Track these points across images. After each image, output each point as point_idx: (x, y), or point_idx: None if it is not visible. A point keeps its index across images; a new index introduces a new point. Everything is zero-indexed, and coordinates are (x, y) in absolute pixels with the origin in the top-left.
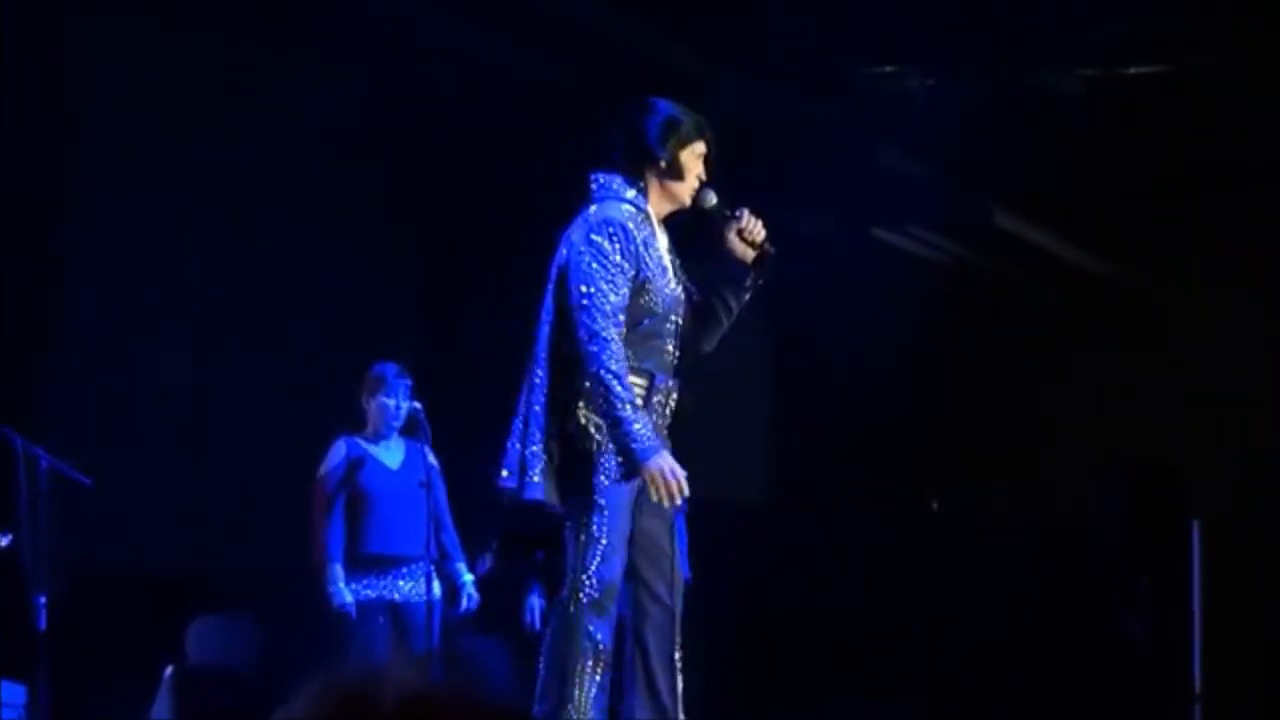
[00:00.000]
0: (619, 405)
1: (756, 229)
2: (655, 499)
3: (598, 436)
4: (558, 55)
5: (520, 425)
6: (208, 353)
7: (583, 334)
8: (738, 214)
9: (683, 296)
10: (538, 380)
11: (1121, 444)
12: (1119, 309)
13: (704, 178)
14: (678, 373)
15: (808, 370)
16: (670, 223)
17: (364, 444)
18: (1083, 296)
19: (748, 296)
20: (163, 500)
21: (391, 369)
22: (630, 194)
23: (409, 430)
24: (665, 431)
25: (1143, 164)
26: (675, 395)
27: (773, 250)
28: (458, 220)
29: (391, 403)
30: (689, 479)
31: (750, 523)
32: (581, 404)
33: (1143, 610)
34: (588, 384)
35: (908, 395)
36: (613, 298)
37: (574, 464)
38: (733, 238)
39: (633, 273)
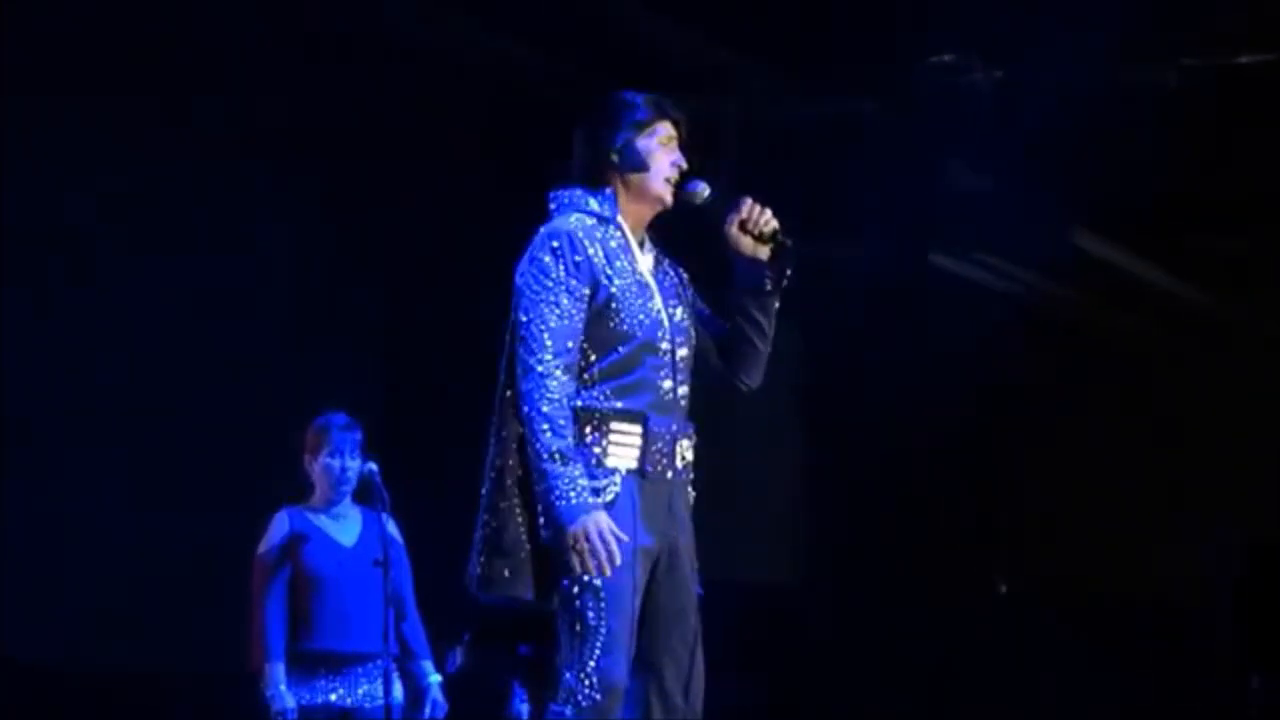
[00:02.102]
0: (542, 454)
1: (762, 218)
2: (577, 569)
3: None
4: (549, 49)
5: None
6: (132, 406)
7: (519, 370)
8: (737, 204)
9: (684, 322)
10: (496, 439)
11: (1230, 513)
12: (1226, 349)
13: (682, 166)
14: (687, 416)
15: (848, 426)
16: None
17: (311, 516)
18: (1183, 335)
19: (776, 303)
20: (78, 586)
21: (337, 420)
22: (592, 203)
23: (363, 496)
24: (681, 491)
25: (1256, 175)
26: (690, 445)
27: (789, 242)
28: (426, 245)
29: (337, 463)
30: (707, 555)
31: (780, 609)
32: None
33: (1255, 715)
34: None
35: (970, 455)
36: (553, 322)
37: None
38: (735, 233)
39: (586, 290)
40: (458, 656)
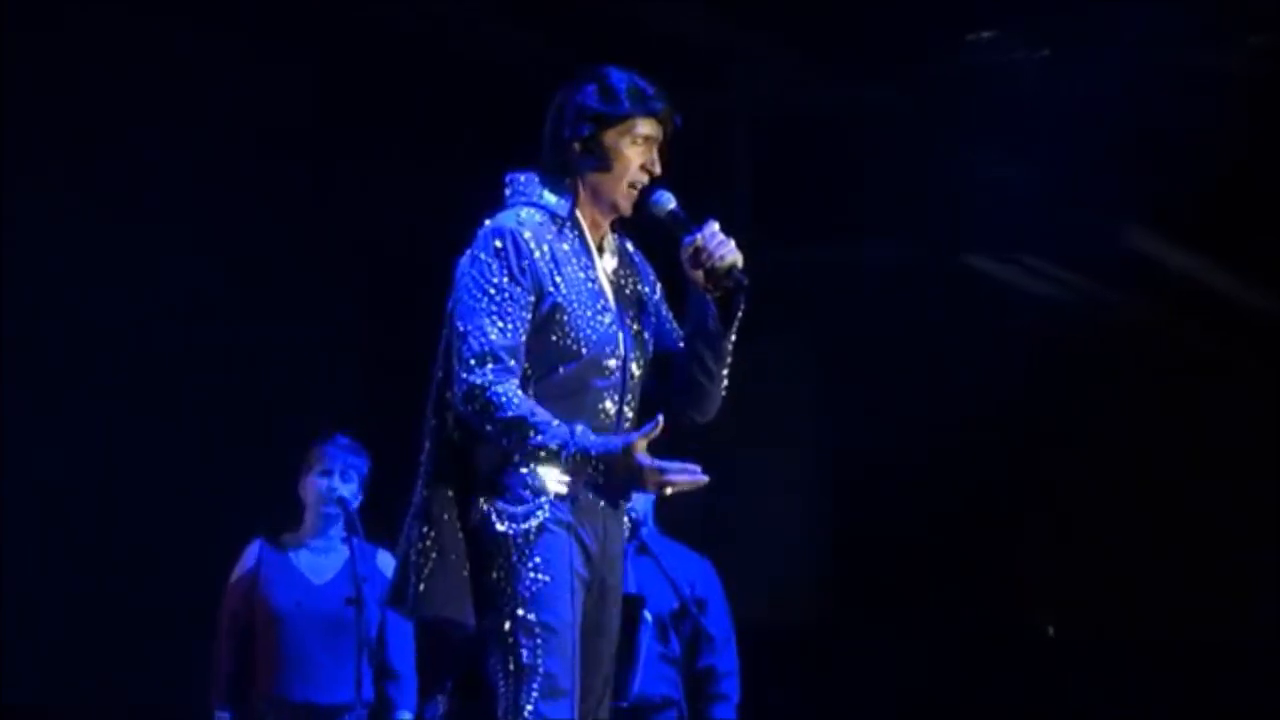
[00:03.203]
0: (550, 447)
1: (719, 250)
2: (668, 491)
3: (509, 530)
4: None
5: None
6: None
7: (458, 390)
8: (697, 229)
9: (642, 335)
10: (431, 441)
11: None
12: None
13: (654, 172)
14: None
15: (872, 449)
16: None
17: (283, 548)
18: (1249, 346)
19: (727, 344)
20: (42, 619)
21: (339, 440)
22: (548, 196)
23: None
24: (615, 523)
25: None
26: None
27: (745, 281)
28: (407, 261)
29: (325, 482)
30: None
31: (807, 650)
32: (483, 487)
33: None
34: (480, 451)
35: (1011, 480)
36: (495, 335)
37: (484, 571)
38: (687, 261)
39: (531, 297)
40: (439, 706)
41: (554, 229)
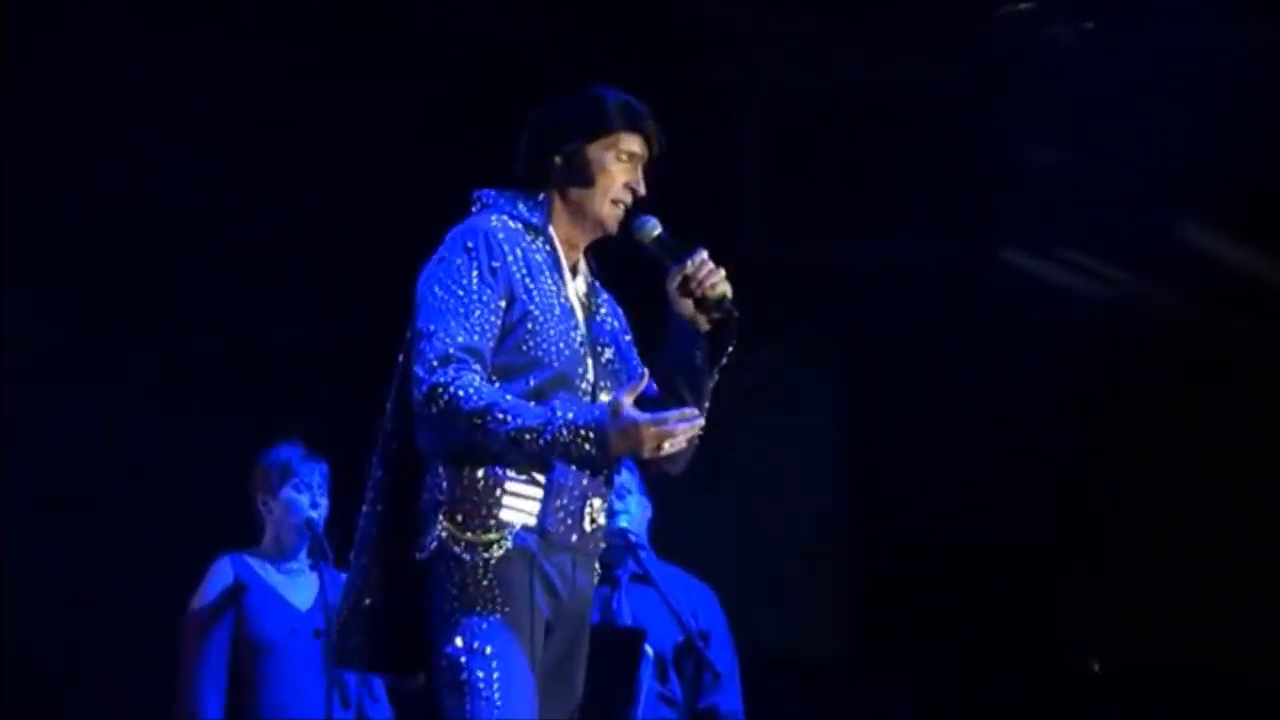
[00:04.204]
0: (525, 438)
1: (710, 279)
2: (666, 449)
3: (469, 557)
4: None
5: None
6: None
7: (417, 395)
8: (687, 256)
9: (614, 365)
10: (371, 484)
11: None
12: None
13: (639, 191)
14: (602, 473)
15: (903, 465)
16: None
17: (258, 566)
18: None
19: (710, 384)
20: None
21: (297, 451)
22: (521, 207)
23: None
24: (586, 563)
25: None
26: (603, 506)
27: (736, 313)
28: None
29: (305, 498)
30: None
31: (823, 691)
32: (443, 510)
33: None
34: (441, 473)
35: (1054, 501)
36: (462, 338)
37: (439, 599)
38: (675, 290)
39: (501, 302)
40: None
41: (527, 238)
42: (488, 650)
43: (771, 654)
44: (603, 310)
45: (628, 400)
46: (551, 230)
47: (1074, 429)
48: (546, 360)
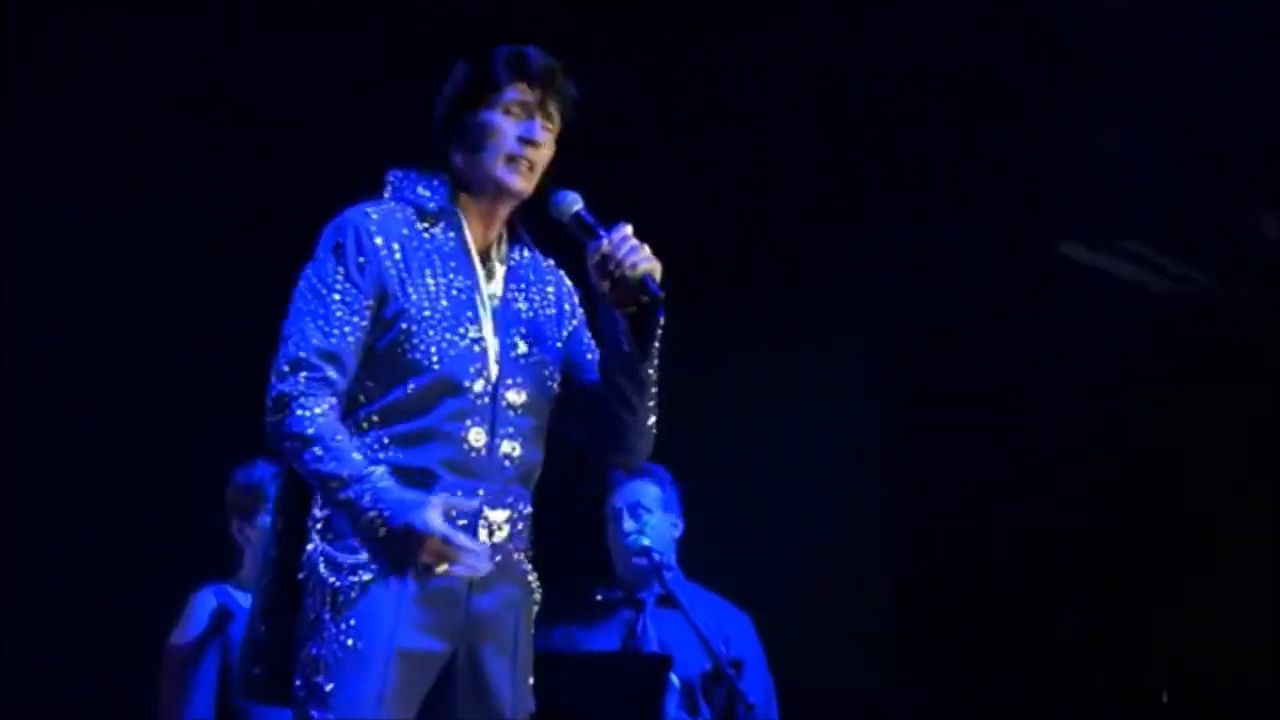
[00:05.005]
0: (330, 484)
1: (629, 257)
2: (438, 570)
3: (334, 583)
4: None
5: None
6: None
7: (268, 399)
8: (605, 233)
9: (530, 359)
10: (274, 501)
11: None
12: None
13: (534, 140)
14: (516, 482)
15: (952, 477)
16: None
17: (242, 598)
18: None
19: (647, 370)
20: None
21: (270, 470)
22: (420, 190)
23: None
24: (490, 580)
25: None
26: (508, 519)
27: (659, 293)
28: None
29: None
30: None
31: None
32: (318, 527)
33: None
34: (321, 510)
35: (1114, 516)
36: (317, 340)
37: (302, 628)
38: (593, 270)
39: (369, 302)
40: None
41: (419, 227)
42: (327, 689)
43: (810, 685)
44: (534, 298)
45: (437, 510)
46: (458, 211)
47: (1138, 436)
48: (425, 363)
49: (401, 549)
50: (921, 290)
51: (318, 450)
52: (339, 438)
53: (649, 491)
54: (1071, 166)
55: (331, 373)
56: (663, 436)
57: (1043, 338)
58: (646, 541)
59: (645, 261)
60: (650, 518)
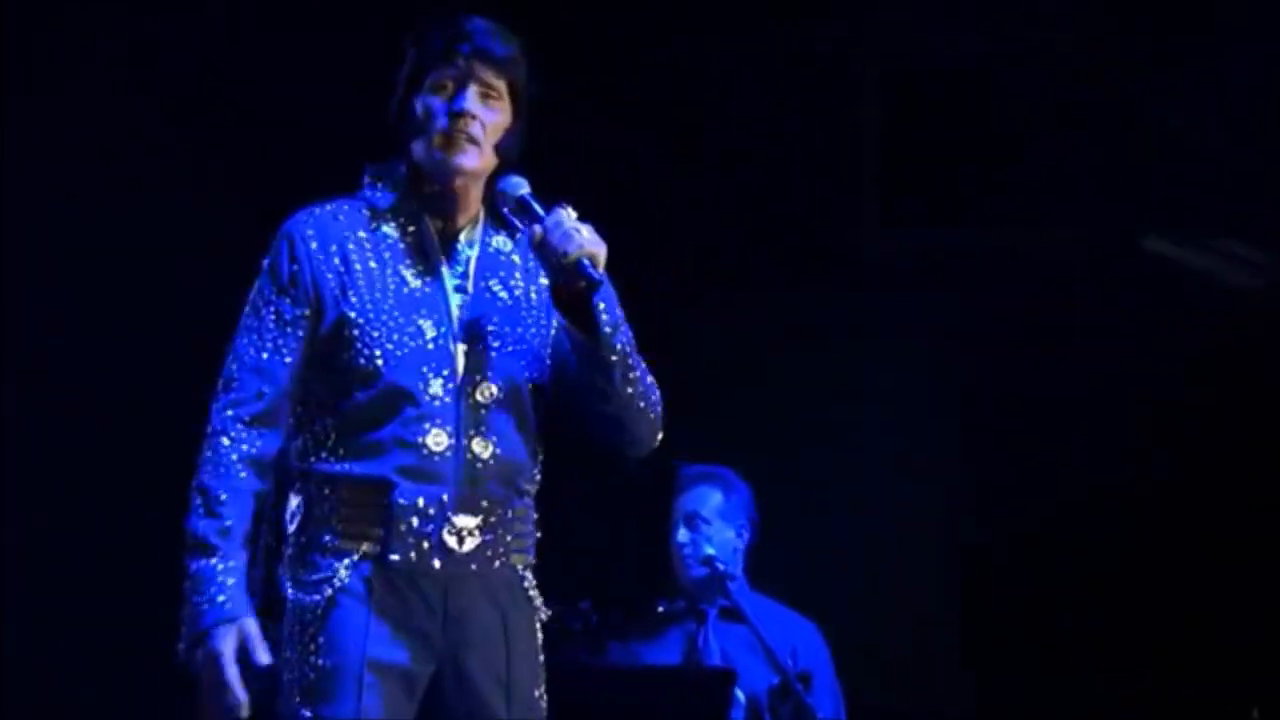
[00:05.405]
0: (185, 540)
1: (561, 243)
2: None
3: (301, 601)
4: None
5: None
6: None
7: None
8: (544, 215)
9: (504, 354)
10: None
11: None
12: None
13: (468, 111)
14: (494, 483)
15: (1028, 482)
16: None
17: None
18: None
19: (608, 356)
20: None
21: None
22: (369, 186)
23: None
24: (467, 586)
25: None
26: (477, 523)
27: (595, 277)
28: None
29: None
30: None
31: None
32: (290, 542)
33: None
34: (292, 498)
35: (1202, 524)
36: (249, 358)
37: (277, 653)
38: (536, 253)
39: (304, 312)
40: None
41: (368, 226)
42: (305, 714)
43: (882, 701)
44: (500, 283)
45: (229, 654)
46: (413, 202)
47: (1230, 441)
48: (370, 369)
49: (196, 672)
50: (991, 290)
51: (197, 500)
52: (222, 496)
53: (710, 499)
54: (1162, 159)
55: (260, 387)
56: (727, 441)
57: (1120, 335)
58: (711, 551)
59: (578, 247)
60: (709, 528)
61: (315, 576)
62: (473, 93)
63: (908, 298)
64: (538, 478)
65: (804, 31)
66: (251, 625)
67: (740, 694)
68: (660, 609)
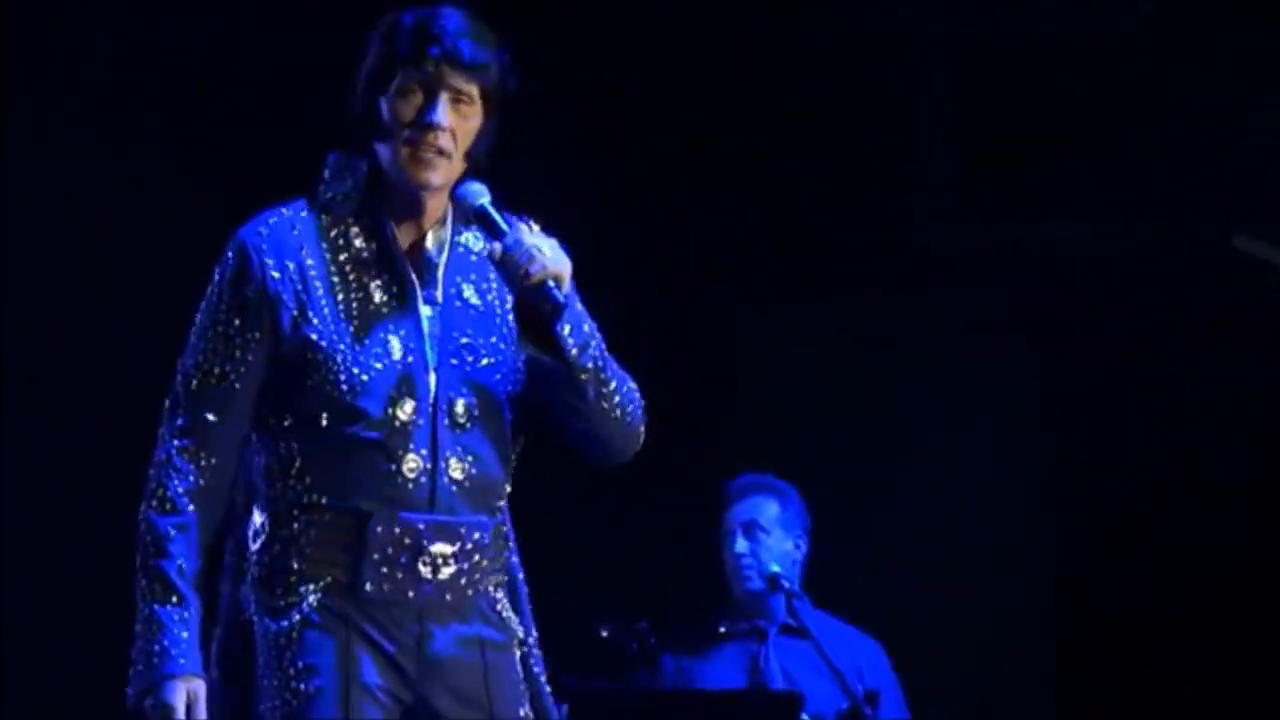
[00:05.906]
0: (142, 581)
1: (526, 262)
2: None
3: (270, 626)
4: None
5: None
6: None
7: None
8: (504, 228)
9: (478, 367)
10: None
11: None
12: None
13: (433, 122)
14: (469, 507)
15: (1116, 488)
16: None
17: None
18: None
19: (578, 374)
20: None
21: None
22: (328, 190)
23: None
24: (448, 615)
25: None
26: (454, 550)
27: (559, 301)
28: None
29: None
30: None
31: None
32: (254, 563)
33: None
34: (255, 516)
35: None
36: (196, 383)
37: (252, 679)
38: (496, 270)
39: (257, 334)
40: None
41: (328, 235)
42: None
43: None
44: (472, 289)
45: (180, 708)
46: (378, 209)
47: None
48: (335, 395)
49: (155, 716)
50: (1074, 287)
51: (148, 538)
52: (171, 533)
53: (767, 508)
54: (1247, 151)
55: (210, 416)
56: (792, 450)
57: (1213, 330)
58: (776, 569)
59: (541, 268)
60: (768, 538)
61: (283, 602)
62: (443, 101)
63: (989, 294)
64: (508, 489)
65: (870, 19)
66: (201, 687)
67: (806, 718)
68: (722, 629)
